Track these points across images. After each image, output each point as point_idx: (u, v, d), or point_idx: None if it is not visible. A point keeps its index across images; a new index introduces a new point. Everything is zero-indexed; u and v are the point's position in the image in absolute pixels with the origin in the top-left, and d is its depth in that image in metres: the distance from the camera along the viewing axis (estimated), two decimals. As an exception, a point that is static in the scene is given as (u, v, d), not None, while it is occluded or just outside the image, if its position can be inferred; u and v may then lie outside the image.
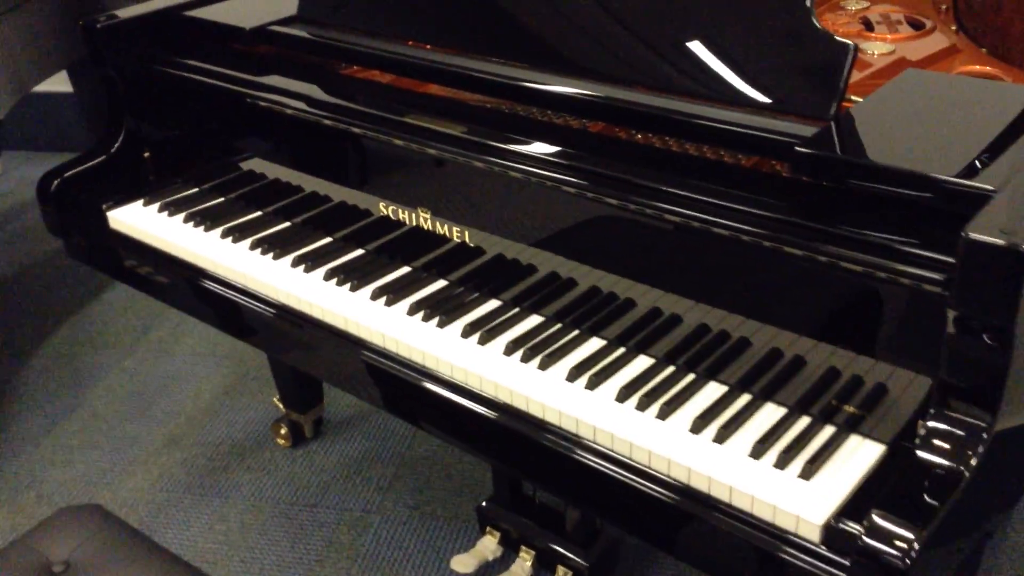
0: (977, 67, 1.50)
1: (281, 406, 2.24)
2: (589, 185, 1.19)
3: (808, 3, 1.18)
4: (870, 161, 1.01)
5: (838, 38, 1.15)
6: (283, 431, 2.24)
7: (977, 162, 1.00)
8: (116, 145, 1.72)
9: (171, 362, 2.60)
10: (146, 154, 1.77)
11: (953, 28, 1.69)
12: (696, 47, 1.24)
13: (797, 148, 1.05)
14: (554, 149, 1.24)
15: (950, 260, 0.93)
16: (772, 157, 1.16)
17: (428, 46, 1.49)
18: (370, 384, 1.36)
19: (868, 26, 1.71)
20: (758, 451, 1.05)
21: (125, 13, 1.69)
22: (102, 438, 2.33)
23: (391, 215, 1.42)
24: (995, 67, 1.50)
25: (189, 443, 2.30)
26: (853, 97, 1.21)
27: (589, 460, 1.13)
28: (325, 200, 1.53)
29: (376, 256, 1.47)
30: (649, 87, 1.27)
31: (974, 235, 0.88)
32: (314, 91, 1.49)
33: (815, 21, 1.17)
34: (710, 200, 1.11)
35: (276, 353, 1.64)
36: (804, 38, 1.17)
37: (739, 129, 1.16)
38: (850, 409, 1.07)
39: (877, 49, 1.57)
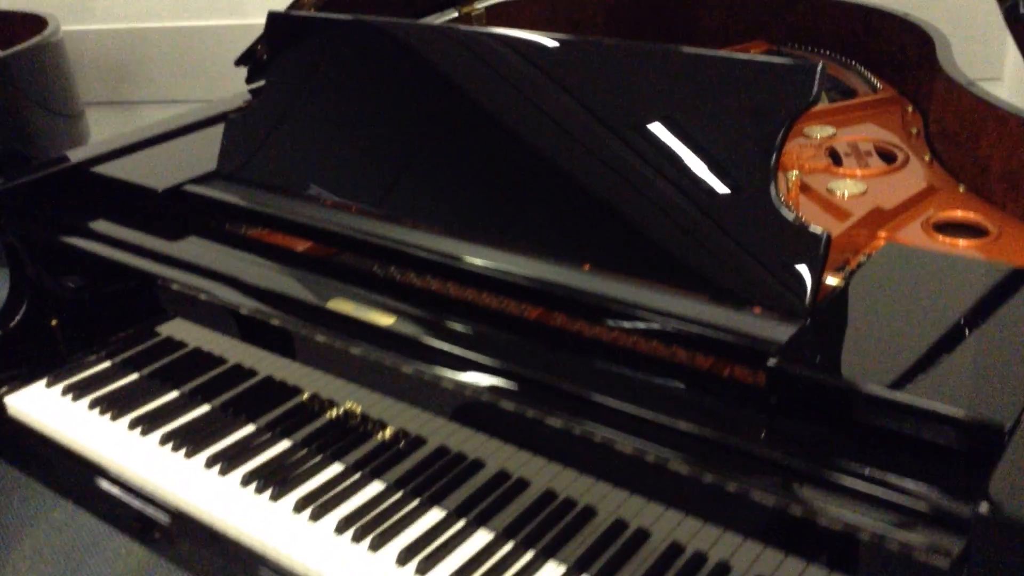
0: (959, 213, 1.38)
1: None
2: (532, 400, 1.04)
3: (772, 191, 1.04)
4: (870, 388, 0.86)
5: (810, 227, 1.01)
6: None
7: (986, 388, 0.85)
8: (16, 319, 1.55)
9: (103, 513, 2.40)
10: (54, 322, 1.60)
11: (927, 157, 1.58)
12: (652, 228, 1.11)
13: (771, 363, 0.91)
14: (488, 346, 1.09)
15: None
16: (740, 362, 1.02)
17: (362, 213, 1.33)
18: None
19: (836, 159, 1.58)
20: None
21: (25, 176, 1.53)
22: (27, 611, 2.13)
23: (316, 403, 1.27)
24: (976, 212, 1.37)
25: (122, 611, 2.10)
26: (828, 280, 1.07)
27: None
28: (250, 374, 1.37)
29: (306, 451, 1.31)
30: (596, 265, 1.12)
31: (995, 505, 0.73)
32: (230, 268, 1.34)
33: (780, 208, 1.03)
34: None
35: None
36: (771, 227, 1.03)
37: (704, 329, 1.02)
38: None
39: (848, 189, 1.45)
